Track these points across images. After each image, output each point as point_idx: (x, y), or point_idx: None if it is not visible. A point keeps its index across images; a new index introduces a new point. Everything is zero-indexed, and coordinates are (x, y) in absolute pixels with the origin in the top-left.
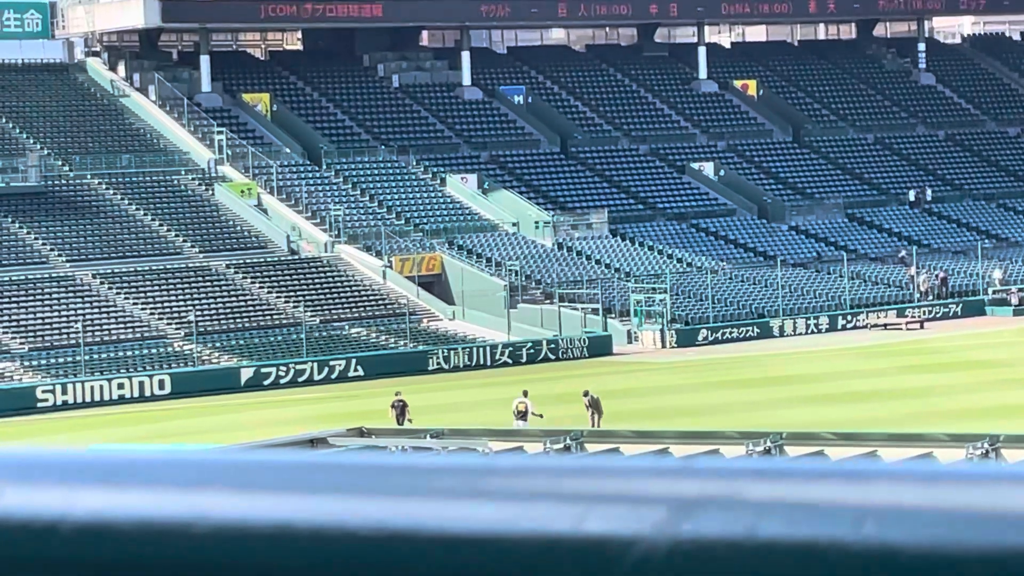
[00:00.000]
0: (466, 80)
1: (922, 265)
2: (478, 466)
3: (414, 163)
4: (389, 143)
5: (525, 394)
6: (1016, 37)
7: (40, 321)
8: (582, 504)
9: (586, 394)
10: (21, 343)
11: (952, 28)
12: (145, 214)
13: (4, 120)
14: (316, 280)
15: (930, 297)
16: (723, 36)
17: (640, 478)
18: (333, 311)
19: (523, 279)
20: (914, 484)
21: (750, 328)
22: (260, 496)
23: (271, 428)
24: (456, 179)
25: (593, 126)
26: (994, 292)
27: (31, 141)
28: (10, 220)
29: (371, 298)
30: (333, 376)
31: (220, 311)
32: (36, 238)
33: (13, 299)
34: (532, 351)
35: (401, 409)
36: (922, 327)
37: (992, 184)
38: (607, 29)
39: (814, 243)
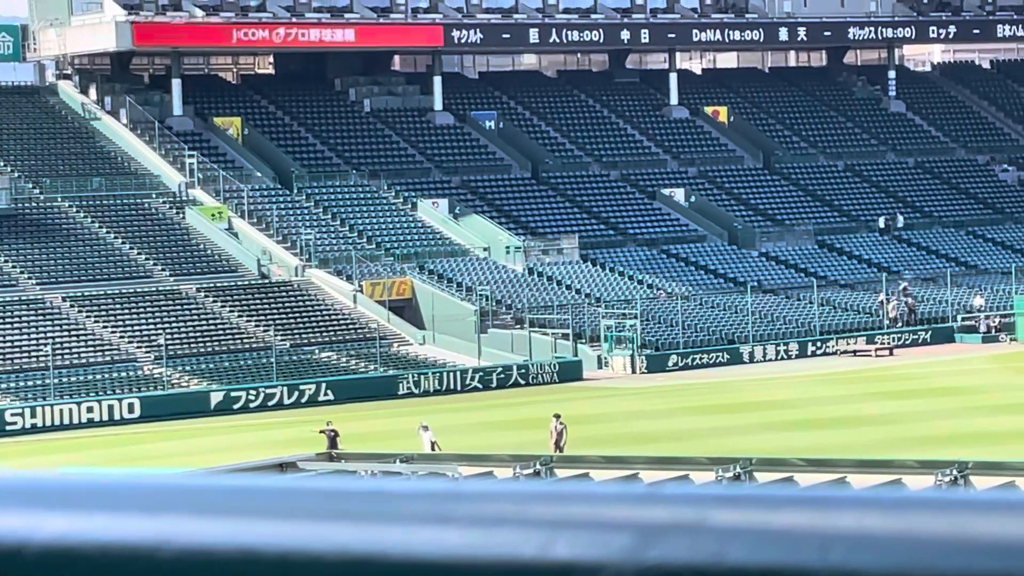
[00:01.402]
0: (438, 105)
1: (891, 292)
2: (445, 491)
3: (385, 187)
4: (360, 167)
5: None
6: (986, 65)
7: (9, 344)
8: (549, 530)
9: (557, 416)
10: None
11: (922, 56)
12: (116, 237)
13: None
14: (286, 304)
15: (899, 324)
16: (694, 63)
17: (607, 504)
18: (303, 335)
19: (494, 304)
20: (880, 511)
21: (720, 354)
22: (225, 521)
23: (240, 452)
24: (427, 204)
25: (564, 151)
26: (963, 319)
27: (1, 163)
28: None
29: (342, 322)
30: (303, 400)
31: (190, 335)
32: (6, 261)
33: None
34: (502, 376)
35: (332, 439)
36: (891, 354)
37: (962, 212)
38: (578, 55)
39: (784, 269)
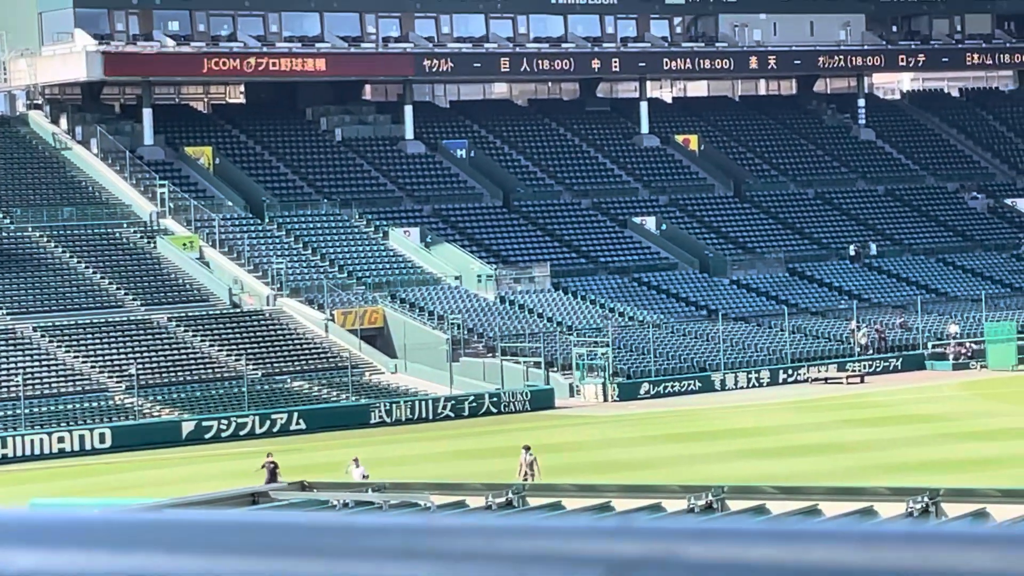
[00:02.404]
0: (409, 134)
1: (862, 320)
2: (415, 526)
3: (357, 216)
4: (332, 196)
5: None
6: (954, 93)
7: None
8: (521, 564)
9: (527, 448)
10: None
11: (891, 84)
12: (87, 267)
13: None
14: (258, 333)
15: (870, 351)
16: (665, 91)
17: (577, 538)
18: (275, 364)
19: (465, 332)
20: (849, 545)
21: (692, 382)
22: (196, 557)
23: (212, 482)
24: (399, 232)
25: (535, 180)
26: (933, 346)
27: None
28: None
29: (313, 351)
30: (275, 430)
31: (162, 364)
32: None
33: None
34: (474, 405)
35: (272, 472)
36: (862, 381)
37: (932, 239)
38: (549, 84)
39: (755, 297)
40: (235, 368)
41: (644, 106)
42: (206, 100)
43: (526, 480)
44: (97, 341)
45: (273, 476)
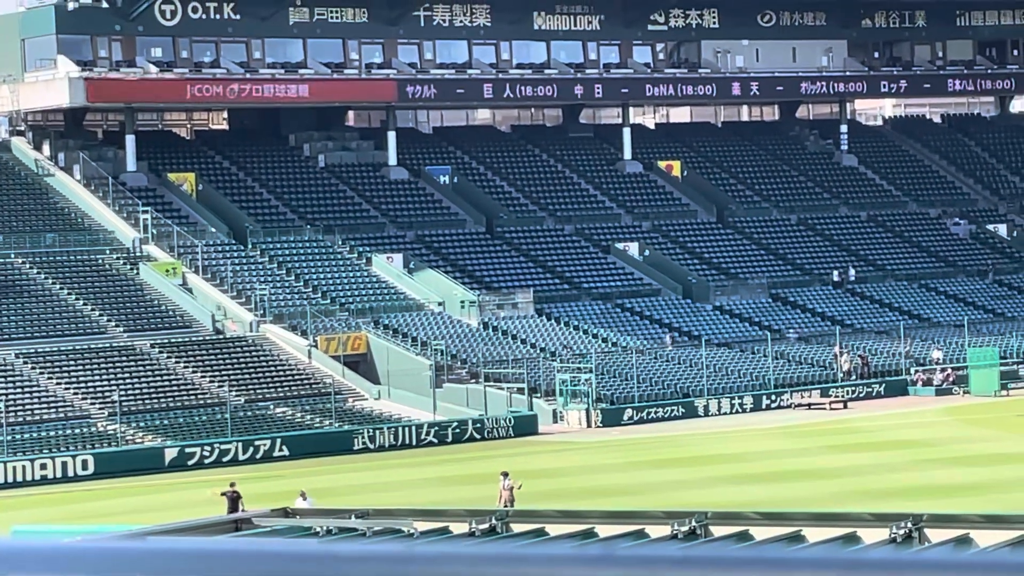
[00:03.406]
0: (392, 160)
1: (845, 345)
2: (397, 555)
3: (340, 242)
4: (315, 223)
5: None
6: (936, 120)
7: None
8: None
9: (505, 475)
10: None
11: (873, 110)
12: (69, 293)
13: None
14: (241, 359)
15: (853, 377)
16: (647, 117)
17: (559, 567)
18: (258, 391)
19: (449, 358)
20: (832, 571)
21: (675, 407)
22: None
23: (195, 509)
24: (382, 259)
25: (519, 206)
26: (916, 372)
27: None
28: None
29: (296, 377)
30: (258, 456)
31: (144, 391)
32: None
33: None
34: (458, 431)
35: (234, 501)
36: (846, 407)
37: (914, 265)
38: (532, 110)
39: (738, 323)
40: (218, 394)
41: (627, 132)
42: (189, 126)
43: (507, 506)
44: (79, 368)
45: (235, 506)
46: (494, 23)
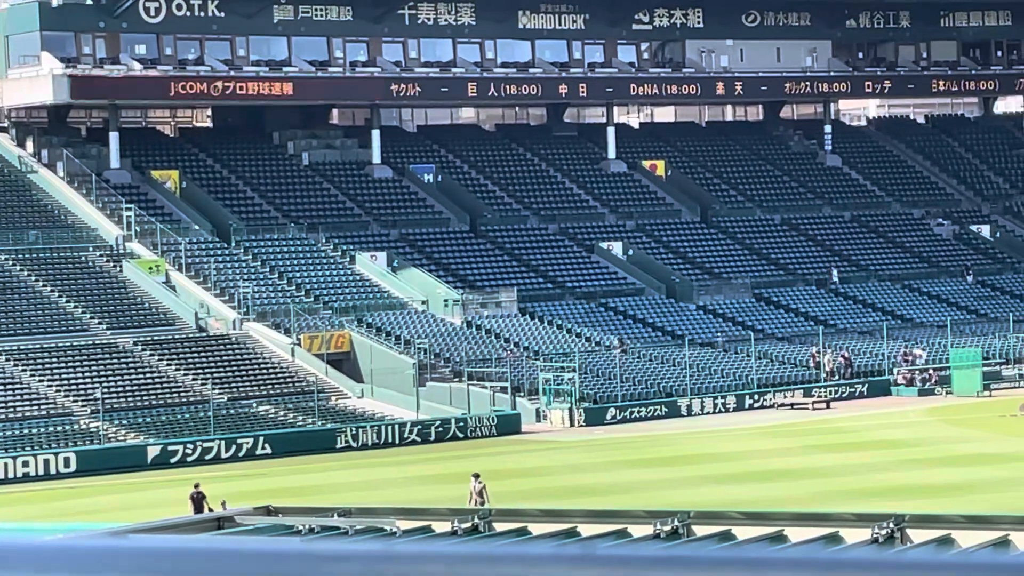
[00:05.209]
0: (376, 158)
1: (828, 345)
2: (378, 554)
3: (324, 241)
4: (299, 221)
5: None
6: (920, 120)
7: None
8: None
9: (476, 476)
10: None
11: (857, 111)
12: (52, 291)
13: None
14: (224, 357)
15: (836, 377)
16: (632, 116)
17: (539, 566)
18: (241, 388)
19: (432, 357)
20: (813, 571)
21: (658, 407)
22: None
23: (178, 507)
24: (365, 257)
25: (503, 205)
26: (898, 372)
27: None
28: None
29: (279, 376)
30: (241, 454)
31: (127, 388)
32: None
33: None
34: (441, 429)
35: (199, 502)
36: (828, 407)
37: (897, 265)
38: (517, 109)
39: (722, 322)
40: (201, 392)
41: (611, 131)
42: (173, 124)
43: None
44: (62, 365)
45: (199, 507)
46: (479, 22)
